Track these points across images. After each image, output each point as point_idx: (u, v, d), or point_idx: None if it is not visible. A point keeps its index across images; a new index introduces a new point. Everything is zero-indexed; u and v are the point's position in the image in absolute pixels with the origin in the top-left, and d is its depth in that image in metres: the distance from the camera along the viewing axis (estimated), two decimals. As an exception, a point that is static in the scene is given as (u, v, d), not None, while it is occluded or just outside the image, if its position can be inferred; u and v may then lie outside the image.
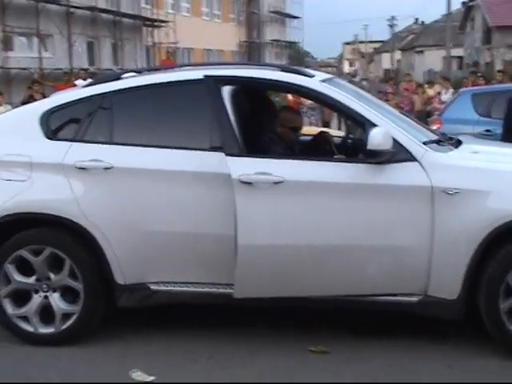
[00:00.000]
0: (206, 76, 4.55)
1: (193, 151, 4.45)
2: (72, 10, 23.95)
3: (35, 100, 13.74)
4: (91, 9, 25.16)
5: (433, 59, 52.09)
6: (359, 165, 4.36)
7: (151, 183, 4.44)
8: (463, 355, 4.32)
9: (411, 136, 4.40)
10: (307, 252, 4.29)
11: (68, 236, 4.54)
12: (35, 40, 22.37)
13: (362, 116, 4.40)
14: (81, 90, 4.95)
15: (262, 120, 5.04)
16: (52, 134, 4.68)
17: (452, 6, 38.88)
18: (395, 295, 4.34)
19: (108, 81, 4.90)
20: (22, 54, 21.85)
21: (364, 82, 38.34)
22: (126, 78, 4.94)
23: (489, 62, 37.93)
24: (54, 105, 4.80)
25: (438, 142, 4.68)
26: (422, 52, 57.76)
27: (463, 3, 47.76)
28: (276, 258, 4.29)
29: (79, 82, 17.02)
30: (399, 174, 4.25)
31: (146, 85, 4.71)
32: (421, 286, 4.28)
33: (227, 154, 4.30)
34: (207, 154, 4.44)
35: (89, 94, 4.75)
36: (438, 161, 4.29)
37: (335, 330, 4.71)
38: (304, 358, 4.31)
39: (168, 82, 4.72)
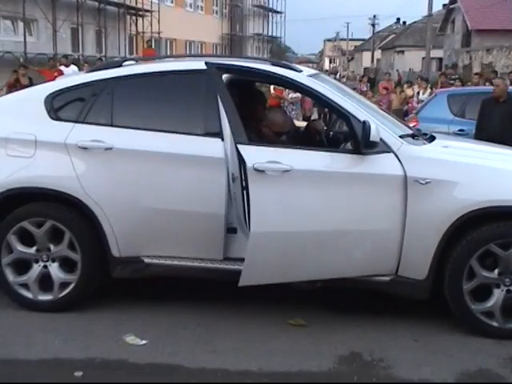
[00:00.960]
0: (207, 64, 4.87)
1: (191, 136, 4.79)
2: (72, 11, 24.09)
3: (20, 83, 14.01)
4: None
5: (412, 59, 52.68)
6: (351, 155, 4.64)
7: (148, 164, 4.77)
8: (427, 331, 4.75)
9: (389, 129, 4.80)
10: (309, 237, 4.59)
11: (68, 210, 4.88)
12: (20, 24, 22.45)
13: (346, 110, 4.76)
14: (84, 75, 5.27)
15: (256, 110, 5.39)
16: (56, 115, 5.00)
17: (433, 8, 39.41)
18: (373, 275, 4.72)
19: (110, 67, 5.23)
20: (7, 38, 21.94)
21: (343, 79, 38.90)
22: (127, 65, 5.27)
23: (467, 65, 38.56)
24: (58, 88, 5.12)
25: (412, 136, 5.08)
26: (402, 52, 58.36)
27: (444, 5, 48.37)
28: (283, 243, 4.58)
29: (63, 68, 17.29)
30: (378, 163, 4.62)
31: (149, 72, 5.04)
32: (393, 266, 4.69)
33: (237, 142, 4.58)
34: (205, 140, 4.78)
35: (92, 79, 5.07)
36: (412, 153, 4.68)
37: (312, 306, 5.10)
38: (284, 328, 4.71)
39: (171, 71, 5.04)
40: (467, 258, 4.59)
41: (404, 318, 4.96)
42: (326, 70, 55.17)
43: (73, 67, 17.54)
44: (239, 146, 4.56)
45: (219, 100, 4.72)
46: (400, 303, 5.00)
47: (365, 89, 19.43)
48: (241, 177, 4.80)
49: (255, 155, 4.53)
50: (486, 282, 4.64)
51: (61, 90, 5.09)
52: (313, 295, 5.16)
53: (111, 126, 4.89)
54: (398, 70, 45.72)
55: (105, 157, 4.80)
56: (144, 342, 4.47)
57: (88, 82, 5.06)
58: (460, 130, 10.09)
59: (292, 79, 4.95)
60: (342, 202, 4.58)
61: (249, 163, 4.48)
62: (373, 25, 71.07)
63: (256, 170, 4.48)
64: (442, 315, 4.87)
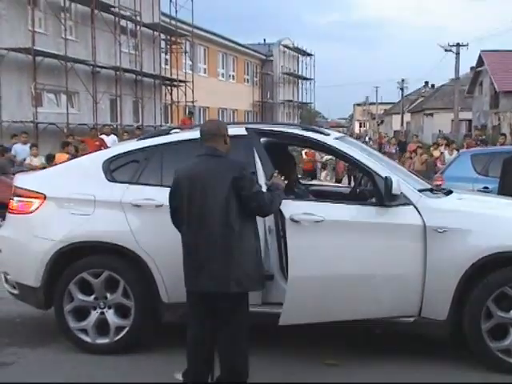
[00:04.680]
0: (248, 130, 5.54)
1: None
2: (97, 69, 25.33)
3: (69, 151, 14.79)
4: (115, 68, 26.54)
5: (442, 121, 53.24)
6: (376, 207, 5.23)
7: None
8: (449, 369, 5.17)
9: (409, 184, 5.35)
10: (341, 281, 5.10)
11: (123, 261, 5.47)
12: (63, 97, 23.67)
13: (369, 167, 5.37)
14: (137, 142, 5.95)
15: (288, 169, 6.00)
16: (112, 177, 5.66)
17: (460, 71, 40.32)
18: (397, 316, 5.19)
19: (159, 135, 5.89)
20: (50, 110, 23.11)
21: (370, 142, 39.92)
22: (174, 133, 5.93)
23: (496, 126, 39.05)
24: (114, 154, 5.81)
25: (431, 190, 5.61)
26: (431, 114, 59.05)
27: (472, 68, 49.19)
28: (318, 286, 5.08)
29: (104, 136, 18.24)
30: (399, 215, 5.16)
31: (194, 138, 5.65)
32: (416, 308, 5.15)
33: None
34: None
35: (144, 146, 5.73)
36: (430, 205, 5.22)
37: (341, 346, 5.56)
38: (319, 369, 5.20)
39: None
40: (484, 299, 5.04)
41: (430, 357, 5.37)
42: (356, 134, 56.04)
43: (113, 136, 18.48)
44: None
45: (258, 160, 5.34)
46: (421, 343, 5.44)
47: (393, 151, 20.00)
48: (277, 227, 5.33)
49: (292, 207, 5.11)
50: (503, 322, 5.08)
51: (116, 155, 5.77)
52: (341, 337, 5.60)
53: (160, 185, 5.44)
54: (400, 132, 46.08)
55: (155, 213, 5.37)
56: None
57: (140, 148, 5.73)
58: (484, 188, 10.49)
59: (320, 141, 5.57)
60: (367, 249, 5.10)
61: (286, 215, 5.04)
62: (401, 88, 72.06)
63: (292, 220, 5.04)
64: (464, 355, 5.27)
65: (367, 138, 43.80)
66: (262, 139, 5.59)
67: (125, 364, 5.30)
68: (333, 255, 5.10)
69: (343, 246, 5.12)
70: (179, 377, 4.95)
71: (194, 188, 4.43)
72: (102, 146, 17.43)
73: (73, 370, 5.23)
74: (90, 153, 15.01)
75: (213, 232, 4.38)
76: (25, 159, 15.10)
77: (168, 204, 4.80)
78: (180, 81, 32.94)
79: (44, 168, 12.16)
